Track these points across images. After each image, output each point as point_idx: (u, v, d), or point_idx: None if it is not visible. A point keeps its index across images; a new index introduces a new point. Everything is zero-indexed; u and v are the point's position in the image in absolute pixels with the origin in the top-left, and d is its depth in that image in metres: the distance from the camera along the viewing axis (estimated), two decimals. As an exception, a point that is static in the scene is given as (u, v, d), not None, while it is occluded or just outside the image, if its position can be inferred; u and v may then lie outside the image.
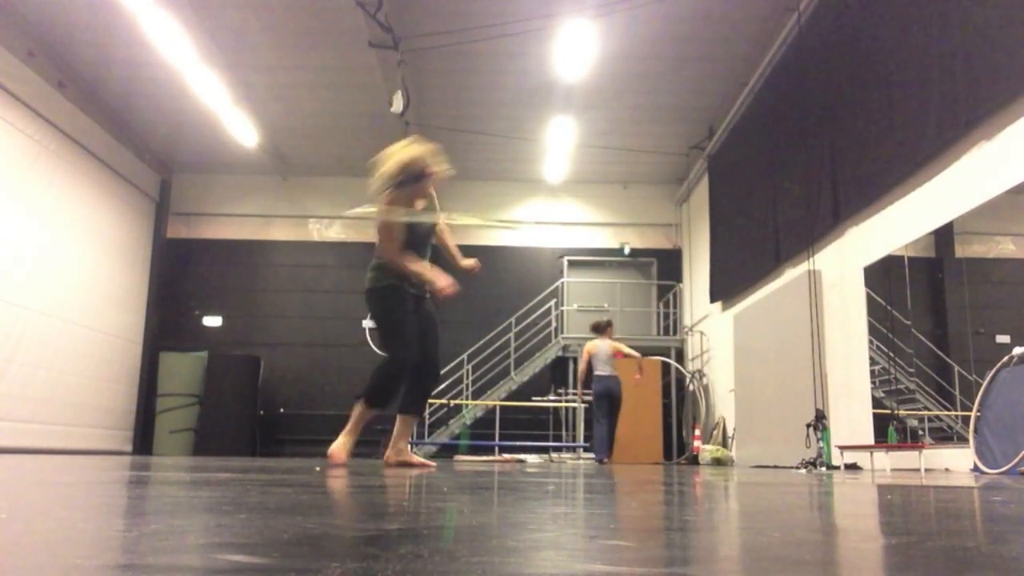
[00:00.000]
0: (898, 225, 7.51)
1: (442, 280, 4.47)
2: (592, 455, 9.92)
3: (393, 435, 4.72)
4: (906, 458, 7.25)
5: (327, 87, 11.98)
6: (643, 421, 12.76)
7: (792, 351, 9.48)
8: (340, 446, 4.54)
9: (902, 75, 7.20)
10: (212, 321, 15.12)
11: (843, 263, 8.60)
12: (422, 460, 4.87)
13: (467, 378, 14.30)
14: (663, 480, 3.62)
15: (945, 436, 7.86)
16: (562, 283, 15.08)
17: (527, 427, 14.18)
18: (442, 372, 15.08)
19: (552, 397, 14.27)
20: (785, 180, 9.86)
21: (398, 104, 10.89)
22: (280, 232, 15.45)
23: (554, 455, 13.48)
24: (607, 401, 9.38)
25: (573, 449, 13.70)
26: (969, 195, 6.40)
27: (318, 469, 4.02)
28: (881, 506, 1.94)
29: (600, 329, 9.62)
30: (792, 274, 9.78)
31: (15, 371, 10.49)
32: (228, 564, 0.72)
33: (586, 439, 9.79)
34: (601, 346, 9.48)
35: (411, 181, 4.48)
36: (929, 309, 8.24)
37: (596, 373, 9.42)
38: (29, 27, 10.42)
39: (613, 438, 9.42)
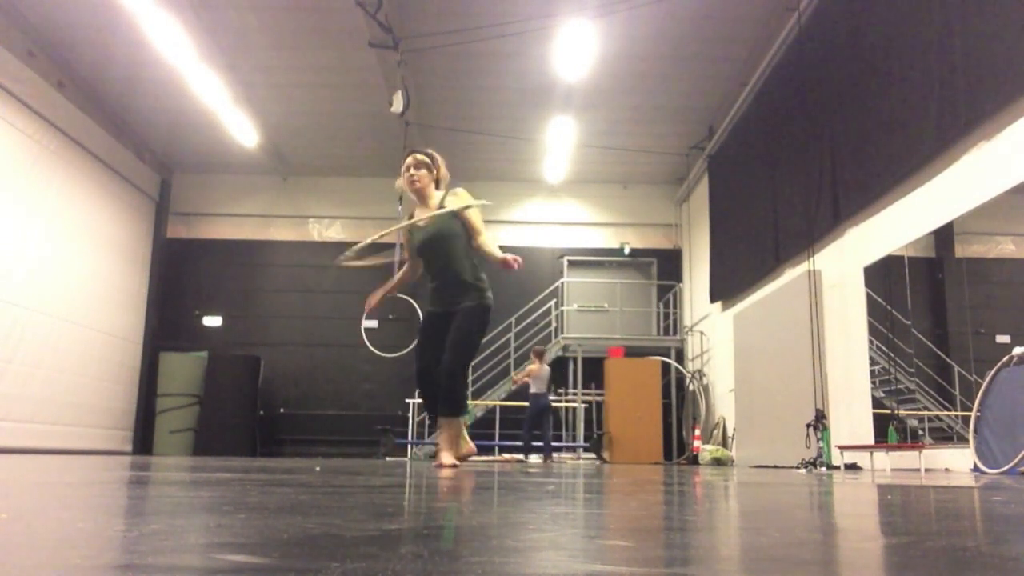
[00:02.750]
0: (898, 225, 7.51)
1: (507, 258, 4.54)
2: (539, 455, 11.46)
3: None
4: (906, 458, 7.25)
5: (327, 87, 11.98)
6: (643, 421, 12.76)
7: (792, 351, 9.48)
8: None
9: (902, 75, 7.20)
10: (212, 321, 15.12)
11: (843, 263, 8.60)
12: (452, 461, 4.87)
13: (467, 378, 14.29)
14: (663, 480, 3.62)
15: (945, 436, 7.87)
16: (562, 283, 15.08)
17: (527, 427, 14.17)
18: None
19: (552, 397, 14.26)
20: (785, 186, 9.87)
21: (398, 104, 10.89)
22: (280, 232, 15.46)
23: (554, 455, 13.47)
24: (540, 416, 11.18)
25: (573, 449, 13.71)
26: (969, 195, 6.40)
27: (318, 469, 4.02)
28: (881, 506, 1.94)
29: (541, 355, 11.34)
30: (792, 274, 9.78)
31: (15, 371, 10.49)
32: (228, 564, 0.72)
33: (527, 441, 11.32)
34: (541, 370, 11.21)
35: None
36: (929, 309, 8.24)
37: (532, 391, 11.03)
38: (29, 27, 10.42)
39: (548, 440, 11.26)
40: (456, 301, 4.61)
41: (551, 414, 11.47)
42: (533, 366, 11.05)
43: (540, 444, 11.23)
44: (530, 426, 11.09)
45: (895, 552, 0.93)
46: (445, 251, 4.61)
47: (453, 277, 4.60)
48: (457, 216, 4.62)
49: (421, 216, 4.67)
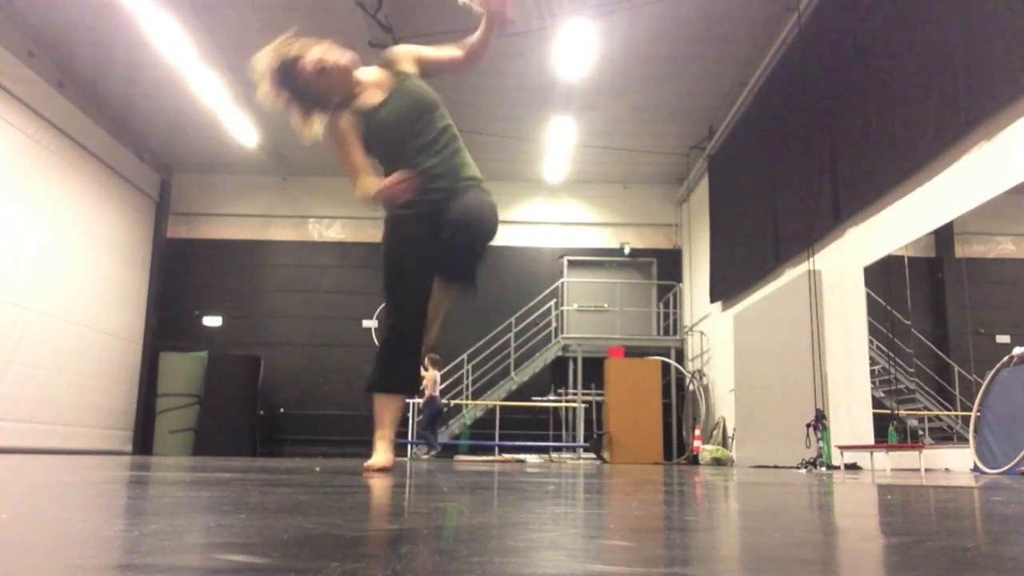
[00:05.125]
0: (898, 225, 7.51)
1: (382, 185, 3.18)
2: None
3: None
4: (906, 458, 7.25)
5: (327, 87, 11.96)
6: (643, 421, 12.76)
7: (792, 351, 9.48)
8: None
9: (902, 75, 7.20)
10: (212, 321, 15.12)
11: (843, 263, 8.60)
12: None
13: (467, 378, 14.30)
14: (663, 480, 3.62)
15: (945, 436, 7.87)
16: (562, 283, 15.09)
17: (527, 427, 14.19)
18: (441, 372, 14.95)
19: (552, 397, 14.27)
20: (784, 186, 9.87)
21: (398, 104, 10.88)
22: (280, 232, 15.46)
23: (554, 455, 13.48)
24: (436, 416, 11.82)
25: (573, 449, 13.71)
26: (969, 195, 6.40)
27: (318, 469, 4.02)
28: (881, 506, 1.94)
29: (436, 363, 11.94)
30: (792, 274, 9.78)
31: (15, 371, 10.49)
32: (228, 564, 0.72)
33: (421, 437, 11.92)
34: (436, 376, 11.77)
35: (295, 90, 3.36)
36: (929, 309, 8.24)
37: (431, 395, 11.52)
38: (29, 27, 10.42)
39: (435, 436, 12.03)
40: (464, 182, 3.55)
41: (443, 413, 12.34)
42: (431, 373, 11.52)
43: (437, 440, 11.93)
44: (430, 425, 11.70)
45: (895, 552, 0.93)
46: (426, 122, 3.50)
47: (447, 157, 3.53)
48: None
49: (378, 96, 3.48)
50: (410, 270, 3.48)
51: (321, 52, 3.39)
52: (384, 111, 3.44)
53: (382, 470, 3.37)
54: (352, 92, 3.46)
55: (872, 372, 8.13)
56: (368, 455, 3.50)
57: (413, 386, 3.63)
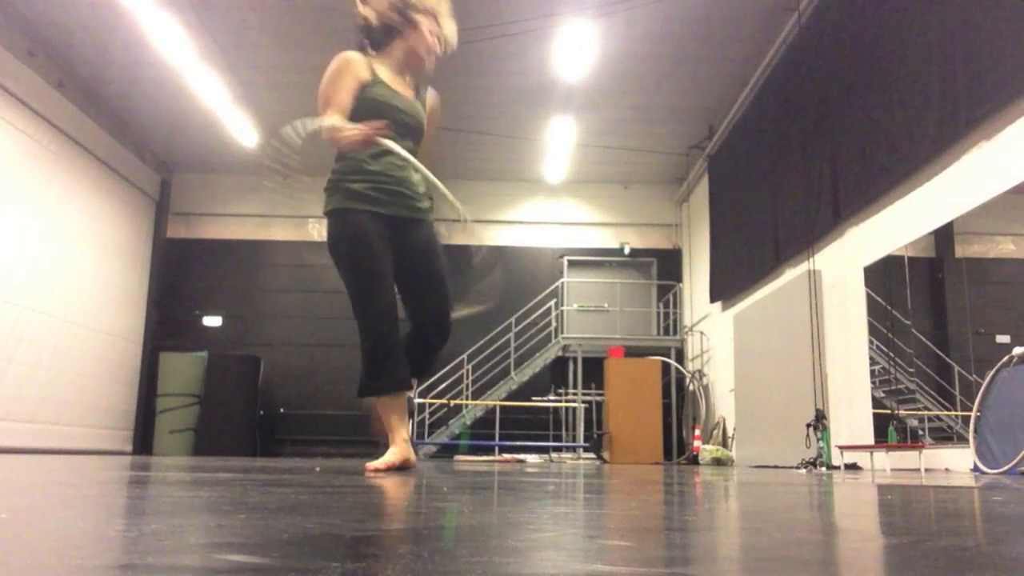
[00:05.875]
0: (898, 225, 7.51)
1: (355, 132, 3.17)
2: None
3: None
4: (906, 458, 7.25)
5: (327, 87, 11.96)
6: (643, 421, 12.76)
7: (792, 351, 9.48)
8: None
9: (902, 75, 7.20)
10: (212, 321, 15.13)
11: (843, 263, 8.60)
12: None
13: (467, 378, 14.31)
14: (663, 480, 3.62)
15: (945, 436, 7.86)
16: (562, 283, 15.09)
17: (527, 427, 14.19)
18: (441, 371, 14.97)
19: (552, 397, 14.27)
20: (786, 186, 9.87)
21: (398, 104, 10.88)
22: (280, 232, 15.46)
23: (554, 455, 13.48)
24: (411, 415, 11.89)
25: (573, 449, 13.71)
26: (969, 195, 6.40)
27: (318, 469, 4.02)
28: (881, 506, 1.94)
29: None
30: (792, 274, 9.78)
31: (15, 371, 10.49)
32: (228, 564, 0.72)
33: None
34: None
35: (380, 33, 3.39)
36: (929, 309, 8.24)
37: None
38: (29, 27, 10.42)
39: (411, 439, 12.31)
40: (424, 205, 3.47)
41: (413, 413, 12.49)
42: None
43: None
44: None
45: (895, 552, 0.93)
46: (416, 146, 3.64)
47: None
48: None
49: (397, 87, 3.73)
50: (380, 267, 3.37)
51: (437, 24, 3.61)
52: (384, 105, 3.55)
53: (384, 470, 3.38)
54: (392, 51, 3.63)
55: (872, 372, 8.13)
56: (369, 455, 3.51)
57: (405, 383, 3.53)
